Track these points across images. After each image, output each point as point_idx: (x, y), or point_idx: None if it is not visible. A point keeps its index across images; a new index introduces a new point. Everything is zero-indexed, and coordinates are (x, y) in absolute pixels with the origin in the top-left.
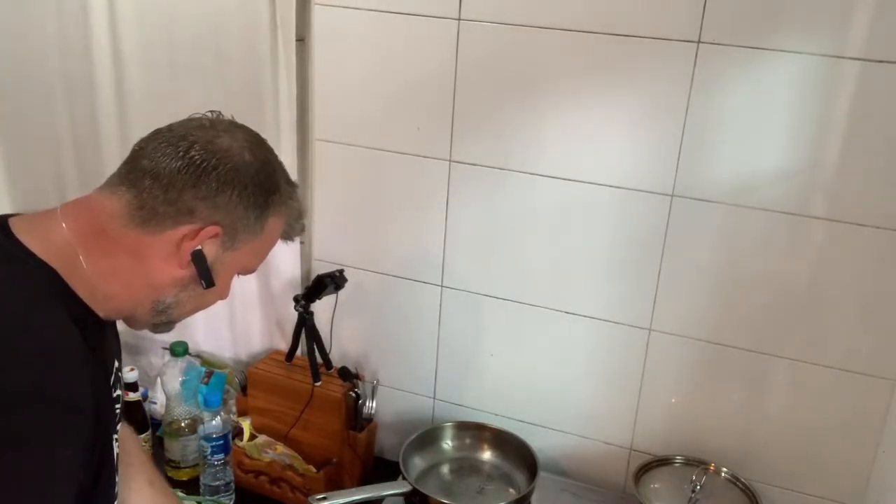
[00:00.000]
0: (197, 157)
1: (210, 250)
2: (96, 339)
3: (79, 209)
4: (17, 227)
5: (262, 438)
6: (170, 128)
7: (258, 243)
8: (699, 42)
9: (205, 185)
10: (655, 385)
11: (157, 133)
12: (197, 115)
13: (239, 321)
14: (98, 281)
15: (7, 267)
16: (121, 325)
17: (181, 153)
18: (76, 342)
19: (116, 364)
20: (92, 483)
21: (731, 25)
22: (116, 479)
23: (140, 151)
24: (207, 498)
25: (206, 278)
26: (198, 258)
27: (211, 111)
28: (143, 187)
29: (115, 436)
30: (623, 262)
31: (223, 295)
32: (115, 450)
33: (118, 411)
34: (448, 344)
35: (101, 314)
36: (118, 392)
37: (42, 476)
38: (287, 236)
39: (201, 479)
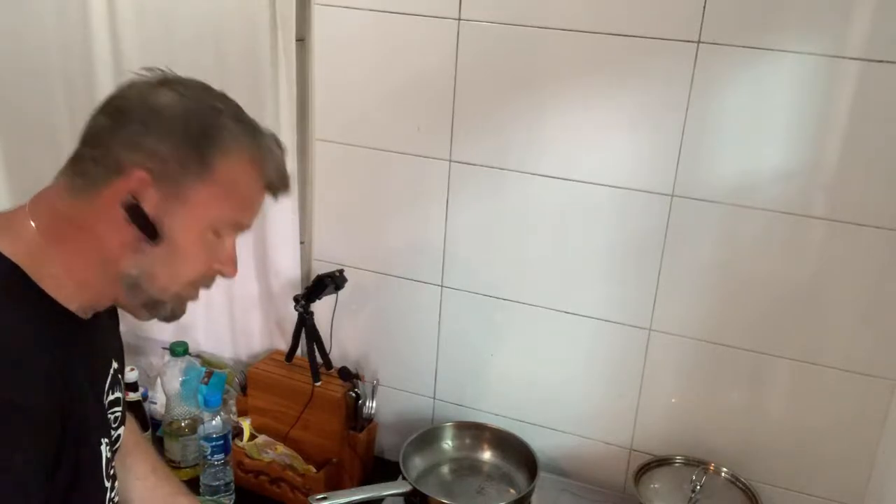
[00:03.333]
0: (119, 104)
1: (149, 201)
2: (70, 336)
3: (40, 198)
4: None
5: (262, 438)
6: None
7: (216, 189)
8: (699, 42)
9: (125, 130)
10: (655, 385)
11: None
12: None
13: (239, 321)
14: (64, 271)
15: None
16: (123, 326)
17: (104, 105)
18: (25, 340)
19: (115, 365)
20: (68, 486)
21: (731, 25)
22: (106, 485)
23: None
24: (207, 498)
25: (148, 230)
26: (132, 209)
27: (158, 68)
28: (77, 155)
29: (106, 438)
30: (623, 262)
31: (196, 255)
32: (105, 453)
33: (116, 414)
34: (448, 344)
35: (76, 308)
36: (117, 394)
37: None
38: (270, 189)
39: (201, 479)
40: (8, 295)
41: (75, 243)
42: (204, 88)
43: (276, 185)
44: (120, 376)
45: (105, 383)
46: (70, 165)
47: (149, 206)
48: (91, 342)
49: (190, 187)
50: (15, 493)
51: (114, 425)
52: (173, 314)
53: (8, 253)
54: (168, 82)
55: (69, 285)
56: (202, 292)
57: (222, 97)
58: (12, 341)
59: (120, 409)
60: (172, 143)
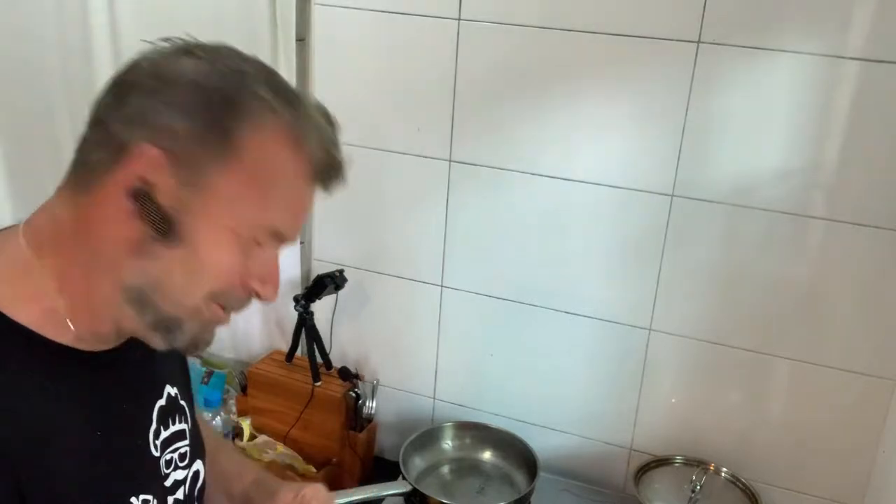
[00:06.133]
0: (126, 76)
1: (163, 189)
2: (57, 376)
3: (36, 213)
4: None
5: (262, 438)
6: None
7: (243, 176)
8: (699, 42)
9: (132, 102)
10: (655, 385)
11: None
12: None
13: (239, 321)
14: (57, 291)
15: None
16: None
17: (111, 82)
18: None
19: (173, 391)
20: None
21: (731, 25)
22: None
23: None
24: None
25: (160, 225)
26: (140, 197)
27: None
28: (80, 145)
29: (146, 495)
30: (623, 262)
31: (218, 260)
32: (135, 501)
33: (182, 450)
34: (448, 344)
35: (71, 341)
36: (180, 426)
37: None
38: (319, 178)
39: None
40: None
41: (70, 253)
42: (231, 51)
43: (326, 171)
44: (183, 403)
45: (149, 420)
46: (70, 165)
47: (161, 194)
48: (106, 379)
49: (212, 172)
50: None
51: (171, 469)
52: (194, 342)
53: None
54: (189, 49)
55: (60, 311)
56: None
57: (254, 61)
58: None
59: (185, 442)
60: (189, 115)
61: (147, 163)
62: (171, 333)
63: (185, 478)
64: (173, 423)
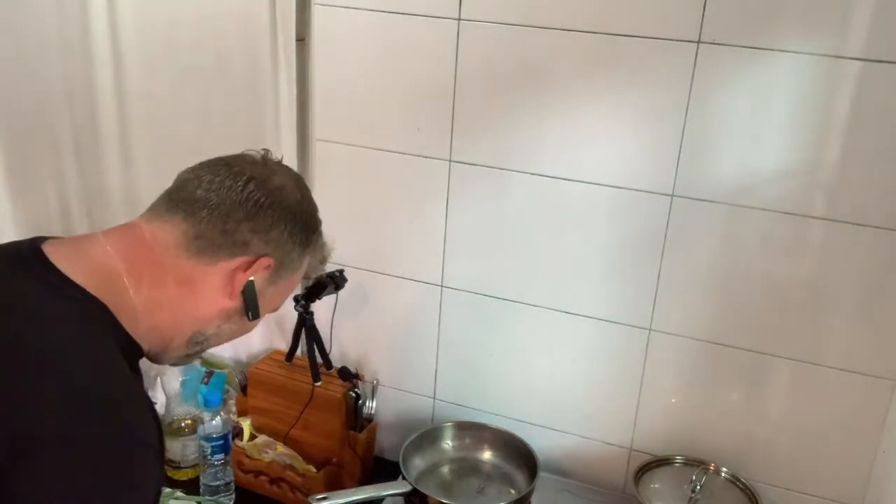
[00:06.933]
0: (255, 192)
1: (258, 283)
2: (138, 368)
3: (128, 237)
4: (55, 256)
5: (262, 438)
6: (225, 162)
7: (293, 280)
8: (699, 42)
9: (261, 220)
10: (655, 385)
11: (209, 165)
12: (250, 152)
13: None
14: (143, 312)
15: (61, 304)
16: None
17: (240, 187)
18: (139, 383)
19: None
20: None
21: (731, 25)
22: None
23: (192, 181)
24: (207, 498)
25: (254, 310)
26: (249, 289)
27: (263, 149)
28: (200, 217)
29: None
30: (623, 262)
31: (250, 330)
32: None
33: None
34: (448, 344)
35: (144, 346)
36: None
37: None
38: (307, 275)
39: (201, 479)
40: (110, 334)
41: (169, 295)
42: (303, 182)
43: (311, 274)
44: None
45: None
46: (187, 223)
47: (258, 287)
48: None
49: (285, 278)
50: None
51: None
52: (189, 362)
53: (91, 288)
54: (282, 170)
55: (142, 326)
56: None
57: (309, 189)
58: (137, 385)
59: None
60: (292, 242)
61: (261, 265)
62: (191, 358)
63: None
64: None
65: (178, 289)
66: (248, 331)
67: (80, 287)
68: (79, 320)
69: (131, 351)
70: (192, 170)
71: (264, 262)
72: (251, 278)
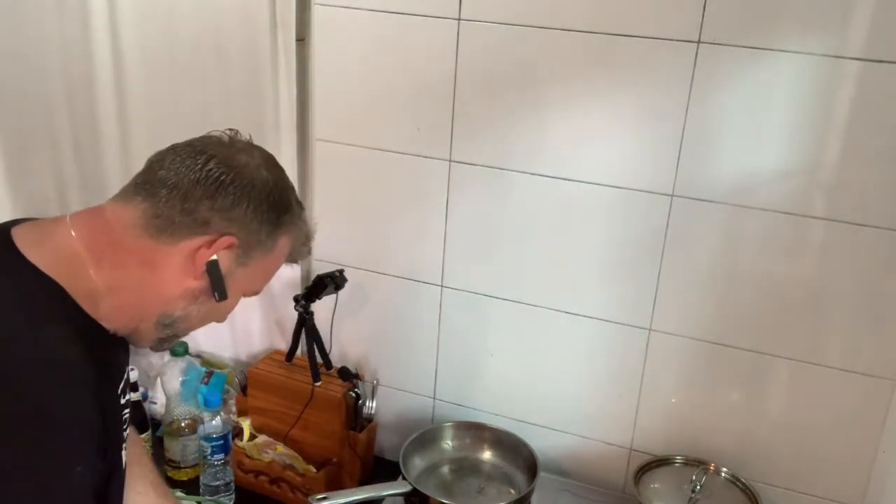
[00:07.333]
0: (215, 170)
1: (224, 262)
2: (106, 350)
3: (91, 219)
4: (21, 239)
5: (262, 438)
6: (188, 143)
7: (267, 262)
8: (699, 42)
9: (221, 198)
10: (655, 385)
11: (174, 147)
12: (215, 132)
13: (239, 321)
14: (106, 293)
15: (6, 281)
16: None
17: (199, 166)
18: (79, 357)
19: (128, 367)
20: (104, 488)
21: (731, 25)
22: (124, 484)
23: (157, 163)
24: (207, 498)
25: (220, 290)
26: (213, 268)
27: (229, 129)
28: (159, 197)
29: (124, 444)
30: (623, 261)
31: (226, 313)
32: (124, 457)
33: (126, 417)
34: (448, 344)
35: (109, 328)
36: (127, 397)
37: (55, 498)
38: (293, 259)
39: (201, 479)
40: (57, 311)
41: (132, 276)
42: (275, 162)
43: (298, 258)
44: (128, 379)
45: (118, 390)
46: (147, 203)
47: (223, 266)
48: (116, 353)
49: (255, 258)
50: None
51: (124, 427)
52: (169, 347)
53: (46, 268)
54: (249, 149)
55: (105, 307)
56: None
57: (282, 168)
58: (69, 359)
59: (127, 411)
60: (258, 220)
61: (222, 244)
62: (166, 343)
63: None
64: (126, 394)
65: (139, 269)
66: (222, 315)
67: (34, 267)
68: (17, 298)
69: (90, 332)
70: (159, 152)
71: (226, 240)
72: (214, 257)
